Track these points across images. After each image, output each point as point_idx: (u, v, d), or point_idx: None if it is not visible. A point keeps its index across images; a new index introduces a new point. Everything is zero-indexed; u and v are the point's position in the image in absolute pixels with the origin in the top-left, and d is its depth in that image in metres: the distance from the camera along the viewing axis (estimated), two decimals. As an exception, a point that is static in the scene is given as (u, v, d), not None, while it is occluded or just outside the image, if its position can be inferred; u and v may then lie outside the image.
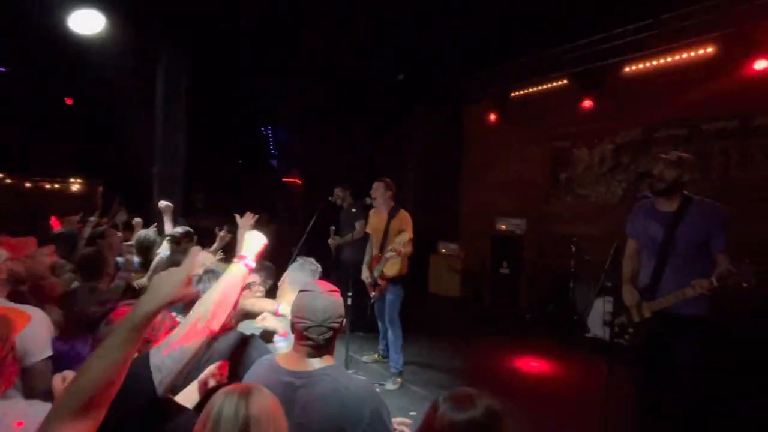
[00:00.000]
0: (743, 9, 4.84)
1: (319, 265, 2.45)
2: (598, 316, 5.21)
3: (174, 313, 1.71)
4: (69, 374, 1.60)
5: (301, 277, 2.29)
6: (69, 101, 8.44)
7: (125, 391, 1.15)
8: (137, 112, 6.44)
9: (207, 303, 1.38)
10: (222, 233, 3.64)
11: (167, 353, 1.25)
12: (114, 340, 0.99)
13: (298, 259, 2.50)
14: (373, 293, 4.17)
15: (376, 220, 4.28)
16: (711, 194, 2.75)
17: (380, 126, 8.50)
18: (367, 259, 4.33)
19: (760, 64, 4.85)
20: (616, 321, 2.79)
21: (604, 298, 5.06)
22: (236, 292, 1.46)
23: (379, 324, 4.36)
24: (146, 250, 3.61)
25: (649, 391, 2.82)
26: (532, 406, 3.56)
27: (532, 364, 4.73)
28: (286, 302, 2.21)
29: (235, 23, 5.78)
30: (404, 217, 4.09)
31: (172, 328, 1.45)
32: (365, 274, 4.24)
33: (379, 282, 4.06)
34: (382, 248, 4.10)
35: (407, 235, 3.73)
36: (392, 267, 3.98)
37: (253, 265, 1.54)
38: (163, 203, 4.11)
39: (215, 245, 3.62)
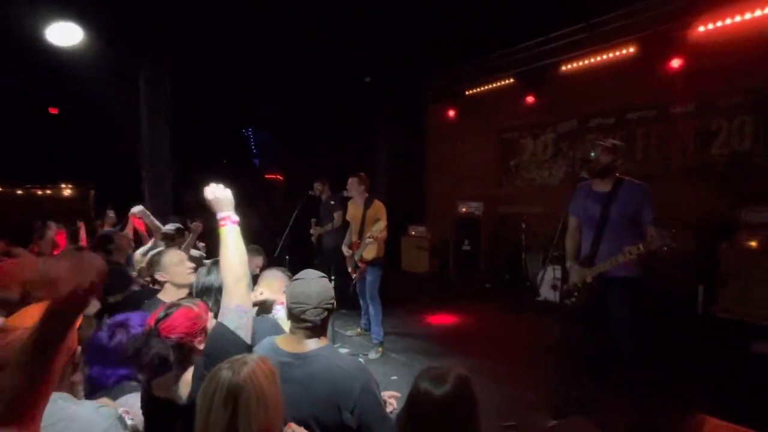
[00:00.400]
0: (658, 14, 5.02)
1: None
2: (547, 282, 5.38)
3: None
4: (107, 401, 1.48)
5: (276, 272, 2.27)
6: (53, 111, 7.85)
7: (226, 355, 1.17)
8: (123, 116, 6.05)
9: (231, 266, 1.40)
10: (194, 225, 3.45)
11: (234, 315, 1.34)
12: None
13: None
14: (354, 275, 4.16)
15: (354, 210, 4.25)
16: (635, 172, 2.85)
17: (353, 124, 8.38)
18: (346, 241, 4.30)
19: (675, 63, 5.05)
20: (564, 286, 2.89)
21: (553, 267, 5.25)
22: (243, 245, 1.46)
23: (361, 301, 4.36)
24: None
25: (590, 343, 2.93)
26: (495, 360, 3.67)
27: (494, 325, 4.87)
28: (264, 286, 2.19)
29: (214, 30, 5.47)
30: (378, 207, 4.07)
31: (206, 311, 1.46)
32: (346, 251, 4.22)
33: (359, 265, 4.04)
34: (360, 235, 4.08)
35: (383, 223, 3.72)
36: (370, 251, 3.97)
37: (237, 218, 1.49)
38: (134, 210, 3.54)
39: (188, 239, 3.38)
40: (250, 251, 2.62)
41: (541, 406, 2.85)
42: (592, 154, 2.70)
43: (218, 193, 1.49)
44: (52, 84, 6.34)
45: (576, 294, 2.83)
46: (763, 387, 3.12)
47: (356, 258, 4.05)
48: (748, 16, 4.49)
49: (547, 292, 5.44)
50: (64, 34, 4.11)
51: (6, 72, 5.92)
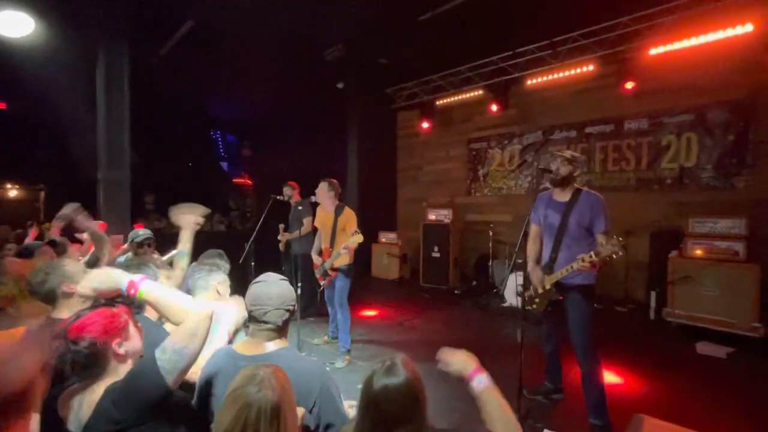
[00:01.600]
0: (614, 36, 5.34)
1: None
2: (512, 288, 5.54)
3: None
4: None
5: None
6: (1, 105, 7.34)
7: (139, 391, 1.12)
8: (78, 113, 5.70)
9: (191, 327, 1.24)
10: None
11: (180, 359, 1.18)
12: None
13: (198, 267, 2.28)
14: (322, 282, 4.09)
15: (324, 216, 4.18)
16: (593, 184, 3.00)
17: (324, 130, 8.35)
18: (315, 247, 4.23)
19: (628, 85, 5.46)
20: (526, 292, 2.98)
21: (516, 273, 5.40)
22: (177, 293, 1.35)
23: (329, 308, 4.29)
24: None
25: (550, 343, 3.11)
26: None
27: (461, 331, 4.93)
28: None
29: (178, 22, 5.26)
30: (349, 215, 4.01)
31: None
32: (316, 259, 4.15)
33: (329, 273, 3.98)
34: (331, 242, 4.02)
35: (360, 237, 3.62)
36: (341, 258, 3.92)
37: (142, 274, 1.37)
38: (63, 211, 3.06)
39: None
40: (215, 256, 2.57)
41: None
42: (553, 165, 2.82)
43: (99, 276, 1.34)
44: (0, 77, 5.92)
45: (537, 300, 2.94)
46: (706, 386, 3.33)
47: (327, 266, 3.99)
48: (693, 41, 4.87)
49: (511, 298, 5.60)
50: (14, 24, 3.86)
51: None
